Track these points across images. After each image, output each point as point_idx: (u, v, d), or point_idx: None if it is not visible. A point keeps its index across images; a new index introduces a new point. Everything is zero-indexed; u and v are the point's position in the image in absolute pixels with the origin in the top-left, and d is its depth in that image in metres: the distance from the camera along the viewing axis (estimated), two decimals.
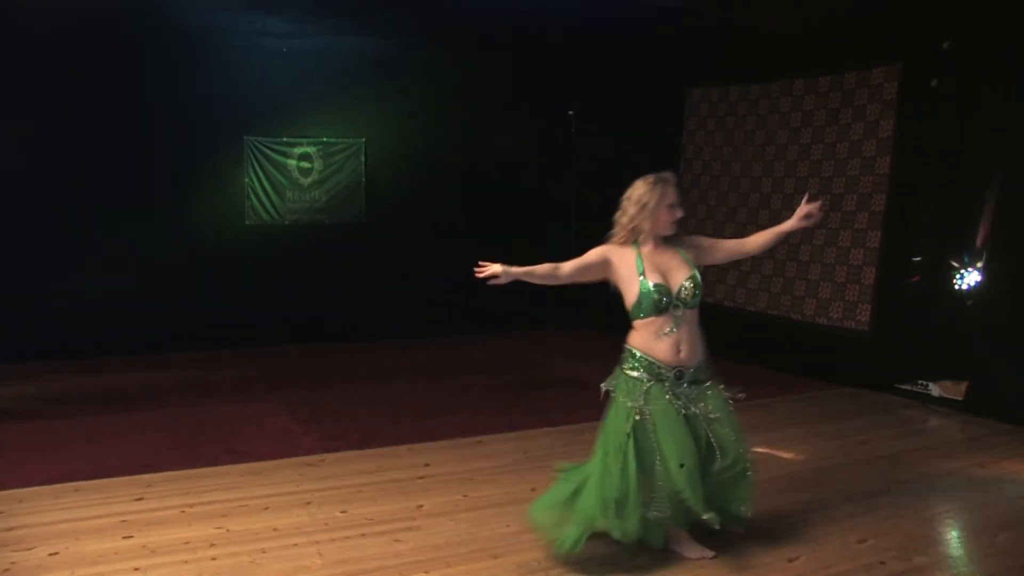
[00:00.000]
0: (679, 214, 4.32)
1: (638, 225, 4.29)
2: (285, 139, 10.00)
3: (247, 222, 9.91)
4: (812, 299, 8.65)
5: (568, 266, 4.36)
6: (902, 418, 7.23)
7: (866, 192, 8.22)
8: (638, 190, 4.34)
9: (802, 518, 4.89)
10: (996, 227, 7.26)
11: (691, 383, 4.23)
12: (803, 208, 4.44)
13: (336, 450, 6.11)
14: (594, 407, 7.25)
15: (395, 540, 4.53)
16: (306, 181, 10.13)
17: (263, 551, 4.39)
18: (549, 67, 10.89)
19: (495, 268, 4.24)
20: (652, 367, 4.23)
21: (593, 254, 4.37)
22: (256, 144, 9.86)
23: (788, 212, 8.91)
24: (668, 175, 4.39)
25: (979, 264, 7.38)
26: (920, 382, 7.77)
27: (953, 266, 7.54)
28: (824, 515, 4.94)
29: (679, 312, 4.20)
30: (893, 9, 7.69)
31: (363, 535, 4.60)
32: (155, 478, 5.48)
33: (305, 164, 10.11)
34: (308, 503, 5.07)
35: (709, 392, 4.26)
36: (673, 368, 4.21)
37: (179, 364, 8.98)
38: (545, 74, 10.99)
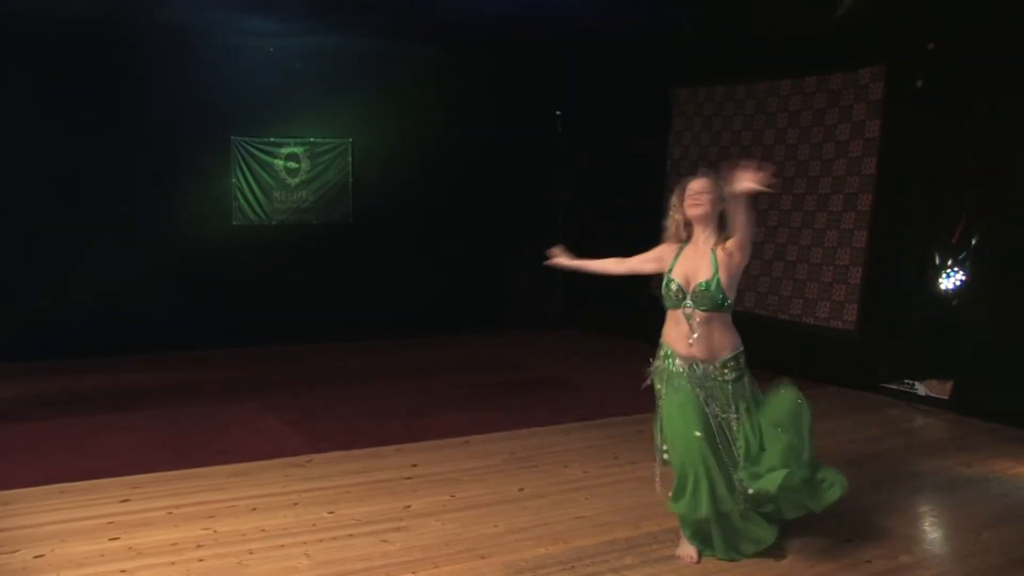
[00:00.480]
0: (696, 200, 4.43)
1: (679, 218, 4.53)
2: (272, 139, 9.98)
3: (234, 222, 9.88)
4: (799, 299, 8.68)
5: (632, 260, 4.80)
6: (888, 417, 7.26)
7: (852, 192, 8.25)
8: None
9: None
10: (974, 226, 7.33)
11: (704, 377, 4.34)
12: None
13: (323, 451, 6.10)
14: (580, 407, 7.30)
15: (383, 541, 4.53)
16: (293, 181, 10.11)
17: (250, 552, 4.38)
18: (536, 67, 10.89)
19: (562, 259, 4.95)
20: (668, 356, 4.43)
21: (654, 250, 4.68)
22: (243, 144, 9.83)
23: (775, 212, 9.03)
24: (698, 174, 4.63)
25: (964, 264, 7.42)
26: (906, 381, 7.80)
27: (939, 266, 7.59)
28: (810, 514, 4.95)
29: (689, 310, 4.34)
30: (879, 11, 7.72)
31: (350, 536, 4.60)
32: (142, 479, 5.46)
33: (292, 164, 10.09)
34: (295, 504, 5.06)
35: (727, 389, 4.35)
36: (687, 360, 4.34)
37: (166, 365, 8.95)
38: (532, 74, 11.00)
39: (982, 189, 7.29)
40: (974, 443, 6.50)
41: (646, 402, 7.37)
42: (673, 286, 4.39)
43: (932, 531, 4.99)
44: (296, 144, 10.09)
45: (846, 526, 4.77)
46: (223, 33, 9.10)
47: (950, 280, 7.53)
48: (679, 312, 4.38)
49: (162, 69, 9.24)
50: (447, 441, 6.38)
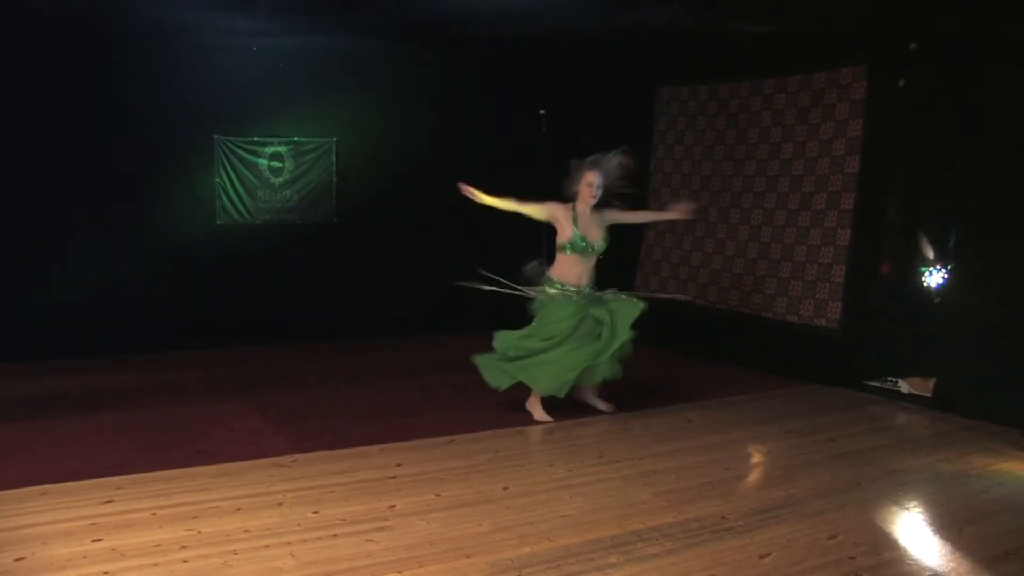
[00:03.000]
0: (596, 193, 6.93)
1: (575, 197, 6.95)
2: (256, 138, 9.93)
3: (218, 222, 9.82)
4: (783, 297, 8.72)
5: (527, 206, 7.16)
6: (871, 415, 7.30)
7: (835, 191, 8.30)
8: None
9: (772, 515, 4.93)
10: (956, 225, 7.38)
11: (585, 295, 6.88)
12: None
13: (307, 451, 6.08)
14: (563, 406, 7.30)
15: (367, 540, 4.52)
16: (277, 181, 10.07)
17: (234, 553, 4.36)
18: (521, 66, 10.89)
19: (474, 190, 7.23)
20: (562, 287, 6.93)
21: (546, 206, 7.06)
22: (227, 143, 9.79)
23: (759, 211, 9.07)
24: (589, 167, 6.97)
25: (947, 262, 7.47)
26: (889, 379, 7.85)
27: (921, 264, 7.63)
28: (794, 512, 4.99)
29: (590, 257, 6.88)
30: (861, 10, 7.76)
31: (335, 535, 4.59)
32: (124, 480, 5.42)
33: (276, 163, 10.05)
34: (279, 504, 5.05)
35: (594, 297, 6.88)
36: (576, 286, 6.90)
37: (148, 365, 8.89)
38: (517, 73, 11.00)
39: (964, 188, 7.34)
40: (956, 440, 6.56)
41: (631, 400, 7.42)
42: (583, 242, 6.75)
43: (914, 527, 5.02)
44: (280, 143, 10.05)
45: (830, 523, 4.81)
46: (206, 32, 9.05)
47: (932, 278, 7.57)
48: (581, 257, 6.78)
49: (145, 67, 9.18)
50: (431, 440, 6.37)
